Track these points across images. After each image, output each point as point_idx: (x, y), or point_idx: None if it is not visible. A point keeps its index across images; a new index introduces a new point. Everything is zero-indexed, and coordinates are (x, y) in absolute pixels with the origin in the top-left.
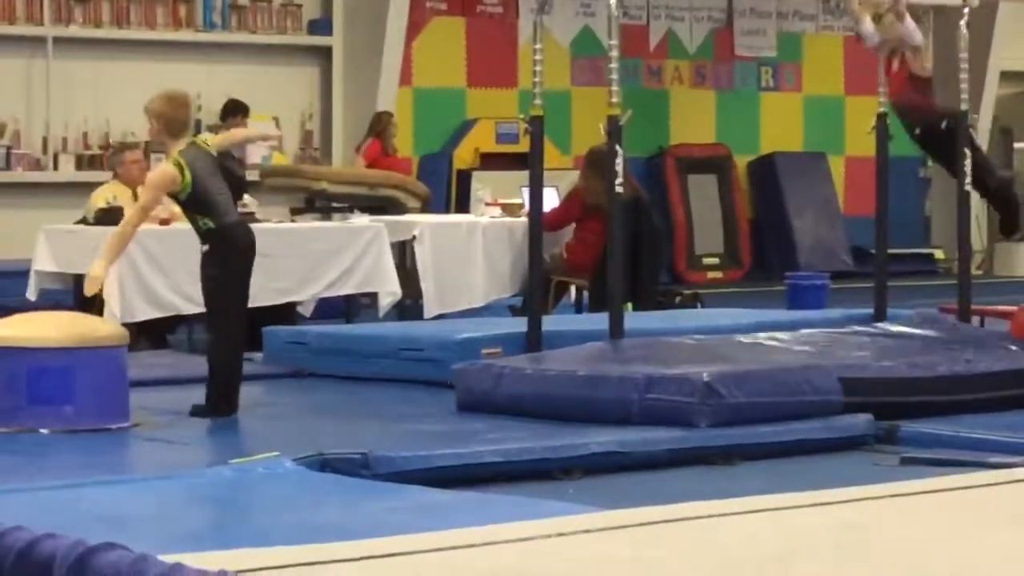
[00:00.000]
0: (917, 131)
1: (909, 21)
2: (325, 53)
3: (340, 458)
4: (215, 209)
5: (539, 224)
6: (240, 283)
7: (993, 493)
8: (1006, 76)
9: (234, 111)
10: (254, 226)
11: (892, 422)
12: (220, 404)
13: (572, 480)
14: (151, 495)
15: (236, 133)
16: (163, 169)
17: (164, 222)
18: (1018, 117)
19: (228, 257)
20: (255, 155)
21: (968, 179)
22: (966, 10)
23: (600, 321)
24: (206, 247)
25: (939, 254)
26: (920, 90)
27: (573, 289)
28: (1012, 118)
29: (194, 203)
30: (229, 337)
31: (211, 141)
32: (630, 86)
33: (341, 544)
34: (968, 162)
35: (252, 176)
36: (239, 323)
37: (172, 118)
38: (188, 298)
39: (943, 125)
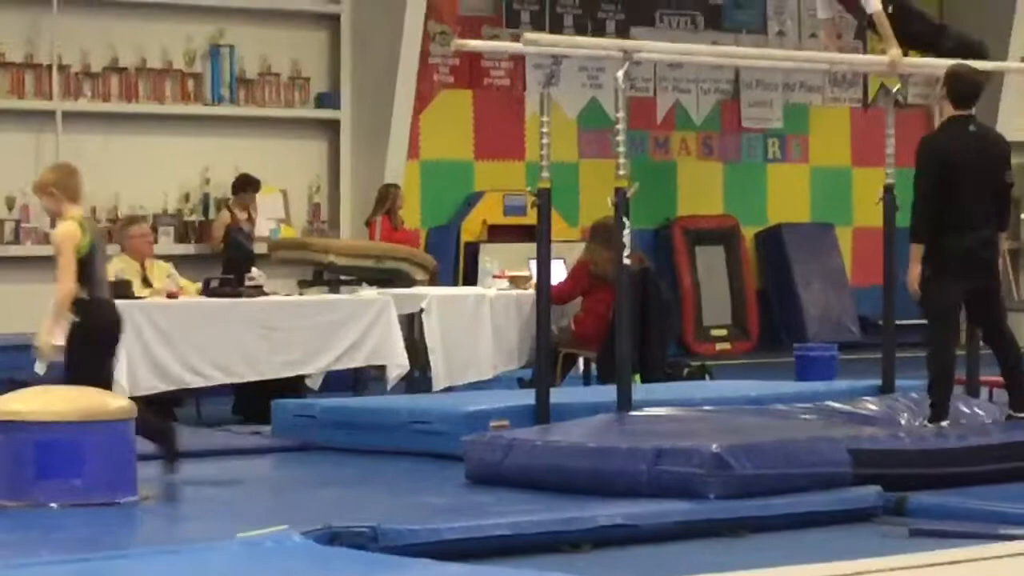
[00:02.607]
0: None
1: None
2: (333, 126)
3: (349, 531)
4: (91, 280)
5: (547, 296)
6: (102, 359)
7: (1003, 565)
8: (1013, 146)
9: (245, 186)
10: (263, 299)
11: (901, 494)
12: None
13: (581, 553)
14: (159, 569)
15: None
16: (65, 226)
17: (172, 295)
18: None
19: (93, 332)
20: (263, 228)
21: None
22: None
23: (608, 393)
24: (76, 318)
25: None
26: None
27: (581, 361)
28: (1019, 188)
29: (80, 269)
30: None
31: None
32: (637, 158)
33: None
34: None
35: (260, 249)
36: None
37: (67, 185)
38: (195, 371)
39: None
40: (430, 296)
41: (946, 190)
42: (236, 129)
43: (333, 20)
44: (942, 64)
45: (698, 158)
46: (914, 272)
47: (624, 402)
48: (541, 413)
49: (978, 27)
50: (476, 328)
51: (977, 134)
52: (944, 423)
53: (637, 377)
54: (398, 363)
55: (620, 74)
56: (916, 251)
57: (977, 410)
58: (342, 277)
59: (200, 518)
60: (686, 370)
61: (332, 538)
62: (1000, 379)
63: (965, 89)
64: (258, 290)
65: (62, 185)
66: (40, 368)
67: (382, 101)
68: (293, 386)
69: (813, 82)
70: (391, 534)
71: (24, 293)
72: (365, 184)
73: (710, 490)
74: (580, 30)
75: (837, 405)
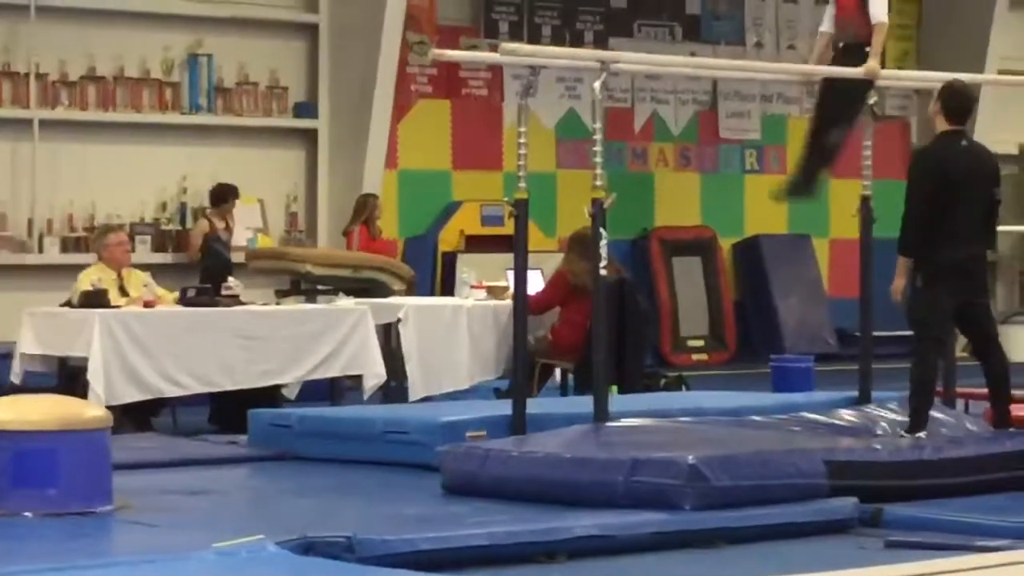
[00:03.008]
0: (842, 44)
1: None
2: (311, 136)
3: (324, 541)
4: None
5: (524, 306)
6: None
7: None
8: None
9: (225, 195)
10: (240, 308)
11: (877, 505)
12: None
13: (557, 564)
14: None
15: None
16: None
17: (148, 304)
18: (1003, 198)
19: None
20: (240, 237)
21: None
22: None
23: (585, 404)
24: None
25: None
26: (865, 11)
27: (558, 371)
28: None
29: None
30: None
31: None
32: (615, 169)
33: None
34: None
35: (238, 258)
36: None
37: None
38: (172, 381)
39: (866, 49)
40: (407, 306)
41: (939, 204)
42: (214, 138)
43: (311, 30)
44: (919, 77)
45: (675, 169)
46: (898, 284)
47: (601, 413)
48: (517, 423)
49: (955, 41)
50: (453, 338)
51: (969, 149)
52: (921, 433)
53: (614, 388)
54: (375, 373)
55: (598, 85)
56: (902, 264)
57: (954, 421)
58: (319, 287)
59: (176, 528)
60: (663, 381)
61: (308, 548)
62: (976, 390)
63: (960, 104)
64: (235, 299)
65: None
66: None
67: (360, 111)
68: (270, 396)
69: (791, 93)
70: (367, 544)
71: (0, 302)
72: (343, 194)
73: (686, 501)
74: (558, 40)
75: (813, 416)
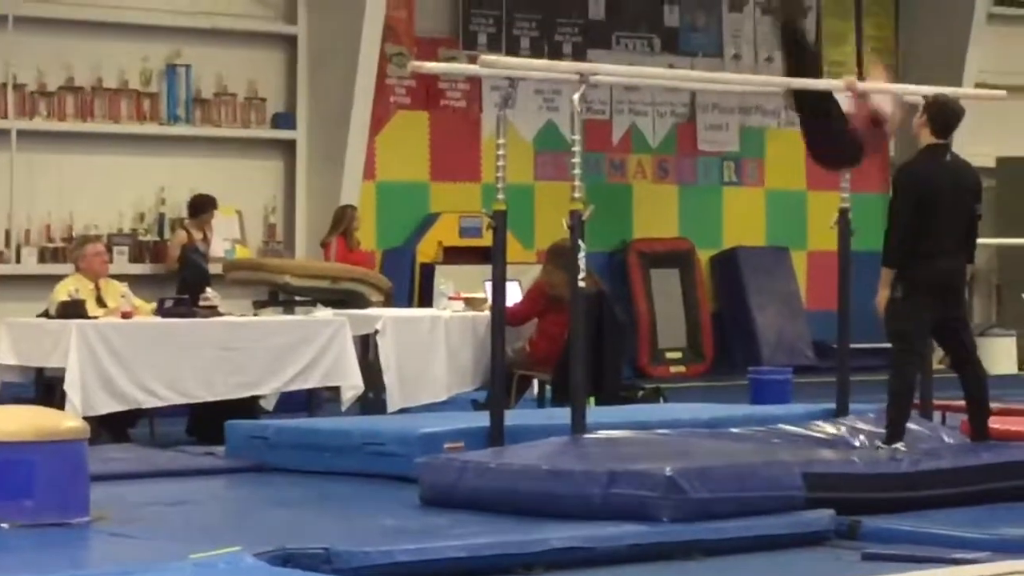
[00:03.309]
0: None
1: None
2: (289, 147)
3: (302, 553)
4: None
5: (502, 318)
6: None
7: None
8: None
9: (204, 206)
10: (218, 319)
11: (854, 518)
12: None
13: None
14: None
15: None
16: None
17: (126, 315)
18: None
19: None
20: (218, 248)
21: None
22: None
23: (563, 416)
24: None
25: None
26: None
27: (536, 383)
28: None
29: None
30: None
31: None
32: (593, 180)
33: None
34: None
35: (216, 269)
36: None
37: None
38: (149, 391)
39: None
40: (385, 317)
41: (923, 217)
42: (192, 149)
43: (290, 41)
44: (898, 88)
45: (654, 181)
46: (882, 296)
47: (578, 425)
48: (495, 435)
49: (933, 54)
50: (431, 350)
51: (953, 164)
52: (898, 444)
53: (591, 399)
54: (353, 384)
55: (576, 97)
56: (887, 275)
57: (931, 433)
58: (297, 298)
59: (153, 539)
60: (640, 393)
61: (285, 560)
62: (953, 403)
63: (947, 119)
64: (213, 310)
65: None
66: None
67: (338, 122)
68: (247, 407)
69: (769, 106)
70: (344, 556)
71: None
72: (321, 205)
73: (663, 513)
74: (537, 52)
75: (791, 428)
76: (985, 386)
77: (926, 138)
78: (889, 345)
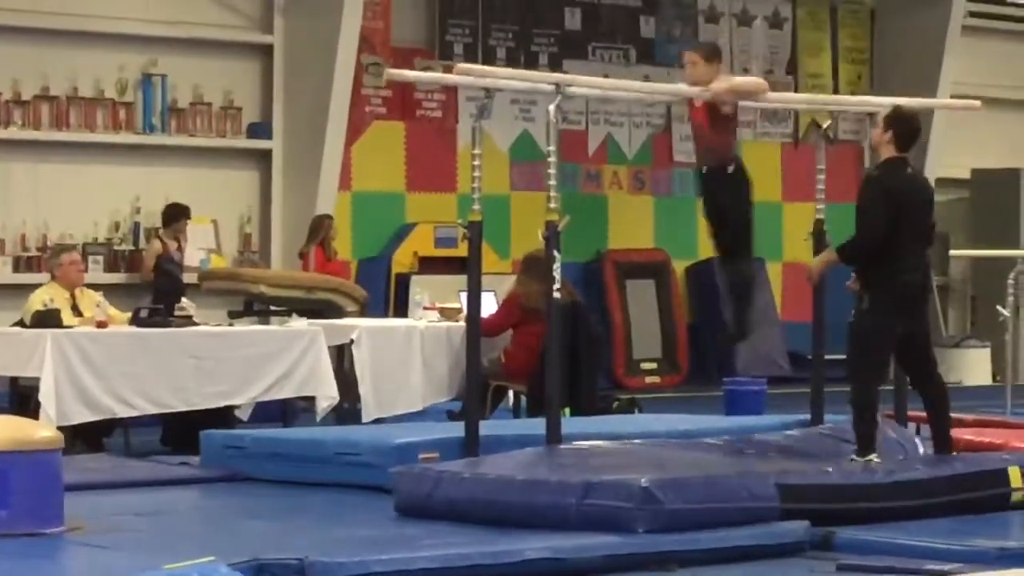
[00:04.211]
0: (704, 169)
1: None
2: (265, 156)
3: (276, 563)
4: None
5: (477, 328)
6: None
7: None
8: (942, 182)
9: (177, 215)
10: (193, 329)
11: (828, 528)
12: None
13: None
14: None
15: None
16: None
17: (101, 324)
18: (954, 223)
19: None
20: (194, 258)
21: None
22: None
23: (538, 426)
24: None
25: None
26: (719, 128)
27: (511, 394)
28: (948, 224)
29: None
30: None
31: None
32: (568, 191)
33: None
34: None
35: (191, 279)
36: None
37: None
38: (124, 401)
39: (729, 169)
40: (360, 327)
41: (890, 230)
42: (167, 158)
43: (266, 50)
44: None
45: (629, 192)
46: (817, 264)
47: (553, 435)
48: (470, 445)
49: (908, 65)
50: (406, 360)
51: (914, 176)
52: (872, 456)
53: (566, 410)
54: (328, 394)
55: (552, 107)
56: (829, 256)
57: (905, 445)
58: (272, 308)
59: (127, 549)
60: (615, 403)
61: (259, 570)
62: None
63: (911, 132)
64: (188, 320)
65: None
66: None
67: (314, 132)
68: (222, 417)
69: (744, 117)
70: (319, 566)
71: None
72: (296, 215)
73: (638, 524)
74: (513, 63)
75: (766, 439)
76: (947, 397)
77: (888, 151)
78: (847, 354)
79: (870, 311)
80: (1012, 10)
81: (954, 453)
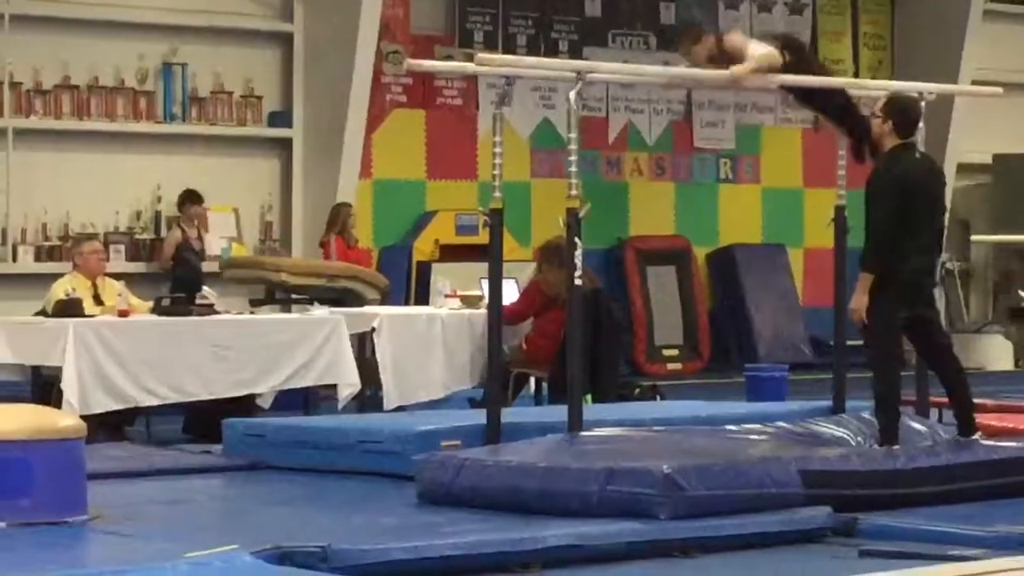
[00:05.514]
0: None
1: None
2: (285, 145)
3: (298, 551)
4: None
5: (499, 316)
6: None
7: None
8: (963, 168)
9: (183, 200)
10: (215, 318)
11: (851, 515)
12: None
13: (531, 573)
14: None
15: None
16: None
17: (123, 313)
18: (975, 209)
19: None
20: (215, 246)
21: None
22: (923, 104)
23: (559, 413)
24: None
25: None
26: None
27: (533, 381)
28: (969, 210)
29: None
30: None
31: None
32: (589, 178)
33: None
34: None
35: (211, 267)
36: None
37: None
38: (146, 390)
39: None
40: (382, 315)
41: (903, 219)
42: (188, 147)
43: (286, 39)
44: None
45: (650, 178)
46: (859, 301)
47: (575, 422)
48: (492, 433)
49: (929, 51)
50: (428, 348)
51: (923, 160)
52: (894, 446)
53: (588, 397)
54: (349, 382)
55: (573, 94)
56: (865, 280)
57: (927, 431)
58: (294, 296)
59: (149, 538)
60: (637, 390)
61: (282, 558)
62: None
63: (910, 117)
64: (209, 308)
65: None
66: None
67: (334, 120)
68: (244, 405)
69: (765, 103)
70: (341, 554)
71: None
72: (317, 203)
73: (661, 511)
74: (533, 50)
75: (788, 426)
76: (965, 379)
77: (891, 140)
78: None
79: (878, 299)
80: None
81: (977, 433)
